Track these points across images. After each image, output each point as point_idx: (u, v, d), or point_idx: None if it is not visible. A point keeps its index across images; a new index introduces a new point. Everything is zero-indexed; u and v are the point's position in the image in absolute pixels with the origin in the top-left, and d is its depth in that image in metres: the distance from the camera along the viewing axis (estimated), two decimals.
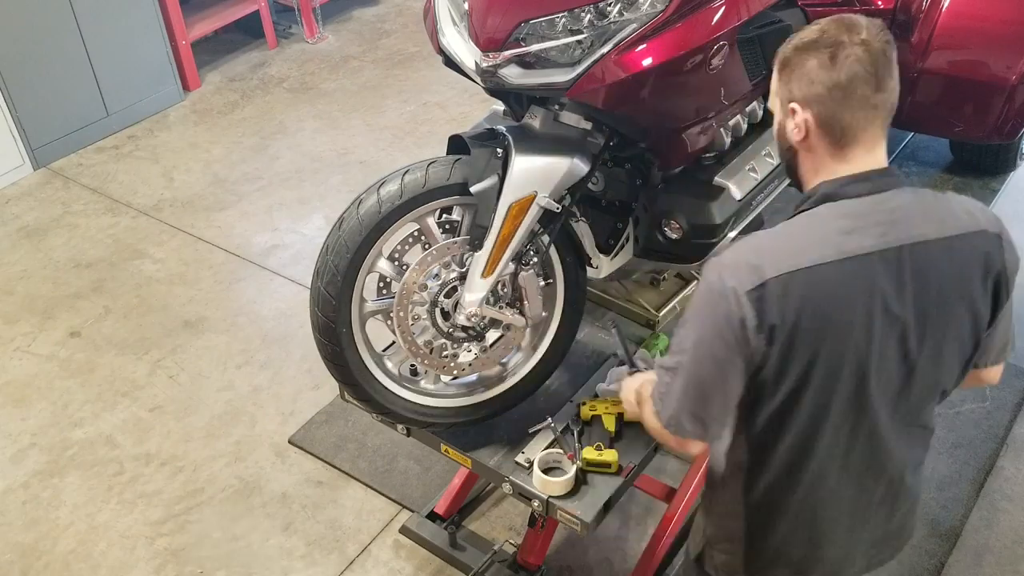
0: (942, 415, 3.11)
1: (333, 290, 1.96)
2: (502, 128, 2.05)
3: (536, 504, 2.14)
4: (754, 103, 2.42)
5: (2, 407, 3.31)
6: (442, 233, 2.08)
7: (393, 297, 2.03)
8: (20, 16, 4.28)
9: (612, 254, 2.39)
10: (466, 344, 2.15)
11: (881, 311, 1.42)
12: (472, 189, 1.97)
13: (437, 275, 2.06)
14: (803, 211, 1.49)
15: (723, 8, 1.99)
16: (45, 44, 4.41)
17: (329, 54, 5.60)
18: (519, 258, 2.06)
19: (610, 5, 1.88)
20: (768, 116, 2.46)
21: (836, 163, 1.47)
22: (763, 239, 1.48)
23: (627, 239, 2.37)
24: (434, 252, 2.03)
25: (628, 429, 2.23)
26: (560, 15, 1.89)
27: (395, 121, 4.93)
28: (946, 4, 2.75)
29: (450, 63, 2.12)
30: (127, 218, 4.26)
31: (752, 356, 1.43)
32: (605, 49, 1.90)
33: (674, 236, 2.29)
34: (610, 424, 2.22)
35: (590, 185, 2.11)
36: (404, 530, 2.81)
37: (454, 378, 2.23)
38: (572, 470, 2.11)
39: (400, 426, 2.30)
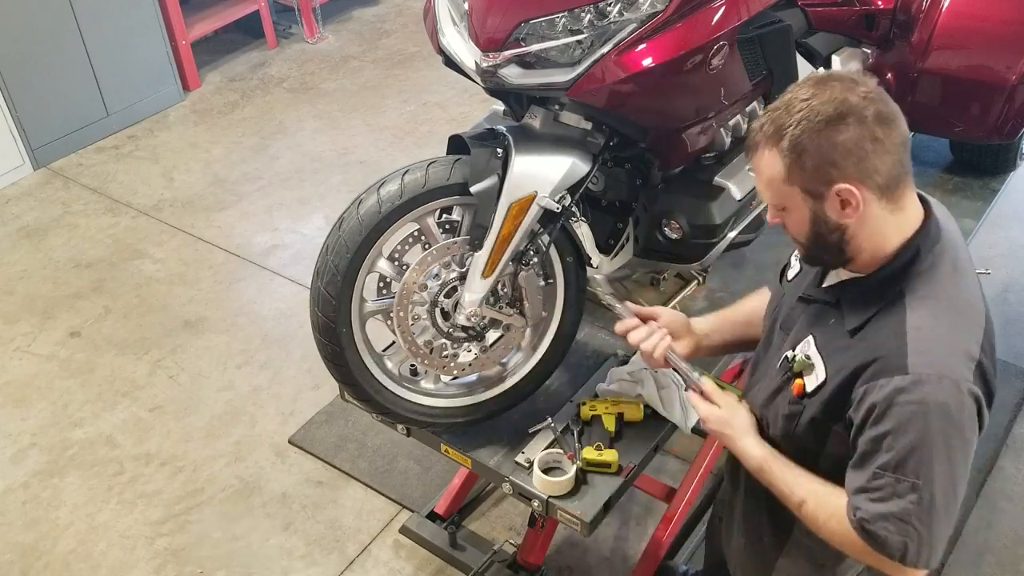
0: None
1: (333, 290, 1.96)
2: (502, 128, 2.05)
3: (536, 504, 2.14)
4: (754, 103, 2.42)
5: (2, 407, 3.31)
6: (442, 233, 2.08)
7: (393, 297, 2.03)
8: (20, 16, 4.28)
9: (612, 254, 2.39)
10: (466, 344, 2.15)
11: None
12: (472, 189, 1.96)
13: (437, 275, 2.06)
14: (911, 277, 1.40)
15: (723, 8, 1.99)
16: (45, 44, 4.41)
17: (329, 54, 5.60)
18: (519, 258, 2.06)
19: (610, 5, 1.88)
20: None
21: (896, 216, 1.39)
22: (935, 328, 1.37)
23: (627, 239, 2.37)
24: (434, 252, 2.02)
25: (628, 429, 2.23)
26: (560, 15, 1.89)
27: (395, 121, 4.93)
28: (946, 4, 2.75)
29: (450, 63, 2.12)
30: (127, 218, 4.26)
31: (982, 431, 1.41)
32: (605, 49, 1.90)
33: (674, 236, 2.29)
34: (610, 424, 2.22)
35: (590, 185, 2.11)
36: (404, 530, 2.81)
37: (454, 378, 2.23)
38: (572, 470, 2.11)
39: (400, 426, 2.30)
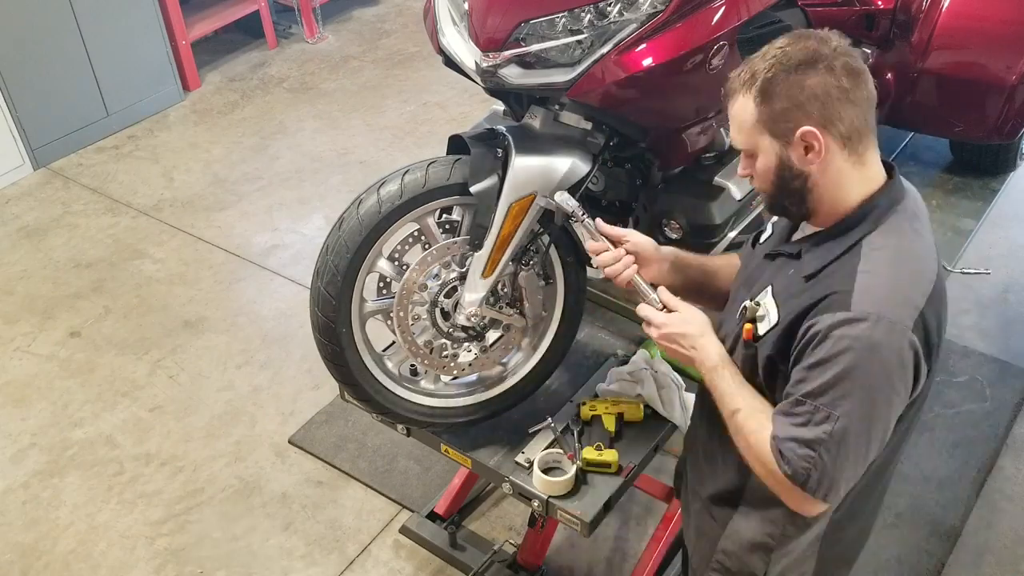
0: (942, 415, 3.12)
1: (333, 290, 1.96)
2: (502, 128, 2.05)
3: (536, 504, 2.14)
4: None
5: (2, 407, 3.31)
6: (442, 233, 2.08)
7: (393, 297, 2.03)
8: (20, 16, 4.28)
9: None
10: (466, 344, 2.15)
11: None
12: (472, 189, 1.96)
13: (437, 275, 2.06)
14: (867, 232, 1.43)
15: (723, 8, 1.99)
16: (45, 44, 4.41)
17: (329, 54, 5.60)
18: (519, 258, 2.06)
19: (610, 5, 1.88)
20: None
21: (858, 170, 1.44)
22: (884, 274, 1.40)
23: None
24: (434, 252, 2.02)
25: (628, 429, 2.23)
26: (560, 15, 1.89)
27: (395, 121, 4.93)
28: (946, 4, 2.75)
29: (450, 63, 2.12)
30: (127, 218, 4.26)
31: (918, 390, 1.42)
32: (605, 49, 1.90)
33: (674, 236, 2.29)
34: (610, 424, 2.22)
35: (590, 185, 2.11)
36: (404, 530, 2.81)
37: (454, 378, 2.23)
38: (572, 470, 2.11)
39: (400, 426, 2.30)
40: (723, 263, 1.85)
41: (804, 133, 1.40)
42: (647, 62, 1.91)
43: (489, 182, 1.96)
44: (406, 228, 2.04)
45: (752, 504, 1.63)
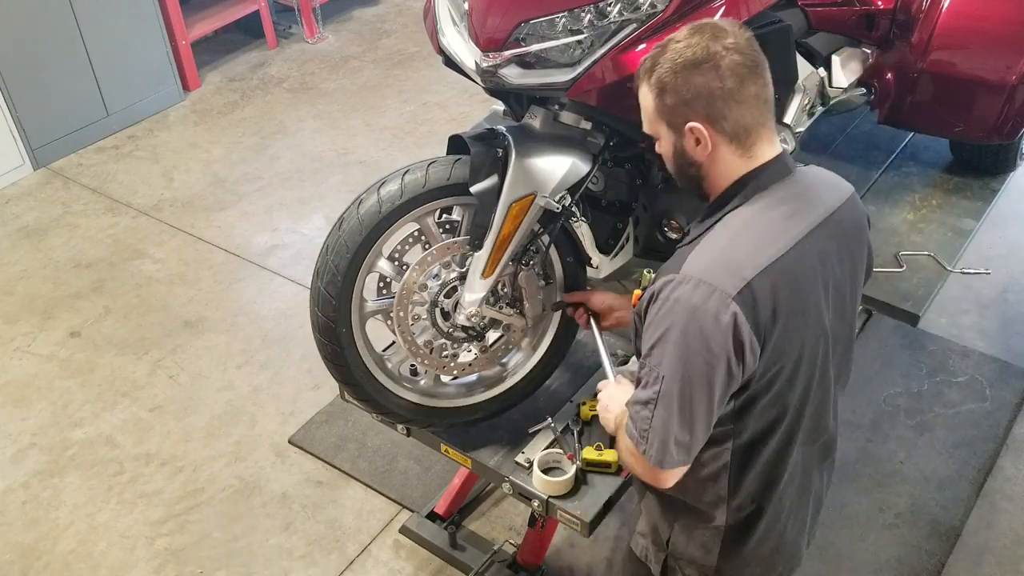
0: (942, 415, 3.12)
1: (333, 290, 1.96)
2: (502, 128, 2.05)
3: (536, 504, 2.14)
4: None
5: (2, 407, 3.31)
6: (442, 233, 2.08)
7: (393, 297, 2.03)
8: (20, 16, 4.28)
9: (612, 254, 2.39)
10: (466, 344, 2.15)
11: (831, 282, 1.52)
12: (472, 189, 1.96)
13: (437, 275, 2.06)
14: (733, 208, 1.50)
15: (723, 8, 1.99)
16: (45, 44, 4.41)
17: (329, 54, 5.60)
18: (519, 258, 2.06)
19: (610, 5, 1.88)
20: None
21: (745, 162, 1.50)
22: (720, 244, 1.47)
23: (627, 239, 2.36)
24: (434, 252, 2.02)
25: None
26: (560, 15, 1.89)
27: (395, 121, 4.93)
28: (946, 4, 2.74)
29: (450, 63, 2.12)
30: (127, 218, 4.26)
31: (745, 362, 1.43)
32: (605, 49, 1.90)
33: (674, 236, 2.28)
34: None
35: (590, 185, 2.11)
36: (404, 530, 2.81)
37: (454, 378, 2.23)
38: (572, 470, 2.11)
39: (400, 426, 2.30)
40: None
41: (692, 128, 1.47)
42: None
43: (489, 182, 1.96)
44: (406, 228, 2.04)
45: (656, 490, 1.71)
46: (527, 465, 2.17)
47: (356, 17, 6.03)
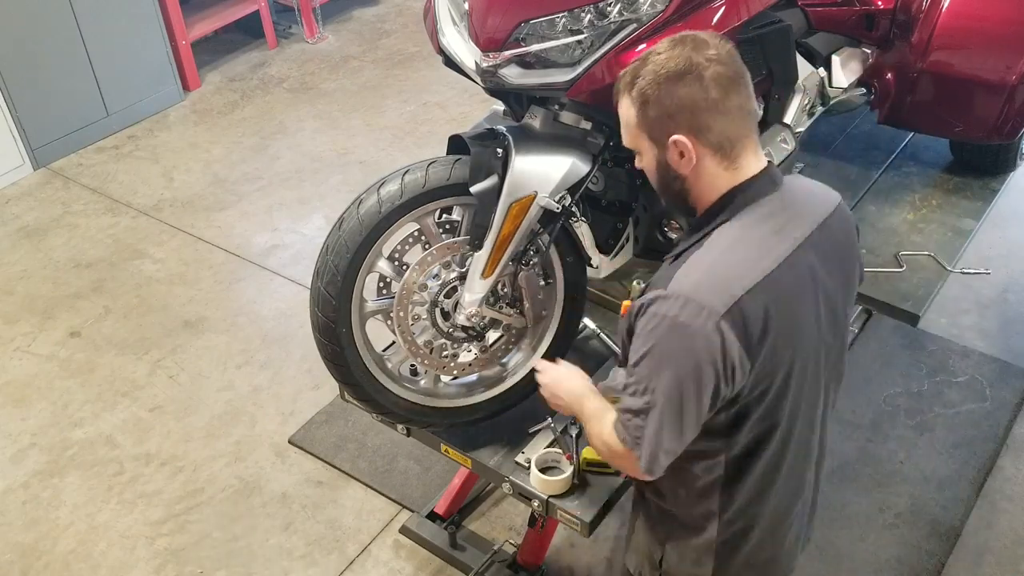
0: (942, 415, 3.12)
1: (333, 290, 1.96)
2: (502, 128, 2.05)
3: (536, 504, 2.14)
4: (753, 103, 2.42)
5: (2, 407, 3.31)
6: (442, 233, 2.08)
7: (393, 297, 2.03)
8: (20, 16, 4.28)
9: (612, 254, 2.39)
10: (466, 344, 2.15)
11: (822, 294, 1.51)
12: (472, 189, 1.96)
13: (437, 275, 2.06)
14: (720, 223, 1.49)
15: (723, 8, 1.99)
16: (45, 44, 4.41)
17: (329, 54, 5.60)
18: (519, 258, 2.06)
19: (610, 5, 1.88)
20: (767, 115, 2.47)
21: (731, 173, 1.49)
22: (708, 260, 1.46)
23: (627, 239, 2.36)
24: (434, 252, 2.02)
25: None
26: (560, 15, 1.89)
27: (395, 121, 4.93)
28: (946, 4, 2.75)
29: (450, 63, 2.12)
30: (127, 218, 4.26)
31: (735, 379, 1.43)
32: (605, 49, 1.90)
33: (674, 236, 2.28)
34: None
35: (590, 185, 2.11)
36: (404, 530, 2.81)
37: (454, 378, 2.23)
38: (571, 470, 2.11)
39: (400, 426, 2.30)
40: None
41: (676, 140, 1.45)
42: None
43: (489, 182, 1.97)
44: (406, 228, 2.04)
45: (648, 505, 1.73)
46: (527, 465, 2.17)
47: (356, 17, 6.03)
